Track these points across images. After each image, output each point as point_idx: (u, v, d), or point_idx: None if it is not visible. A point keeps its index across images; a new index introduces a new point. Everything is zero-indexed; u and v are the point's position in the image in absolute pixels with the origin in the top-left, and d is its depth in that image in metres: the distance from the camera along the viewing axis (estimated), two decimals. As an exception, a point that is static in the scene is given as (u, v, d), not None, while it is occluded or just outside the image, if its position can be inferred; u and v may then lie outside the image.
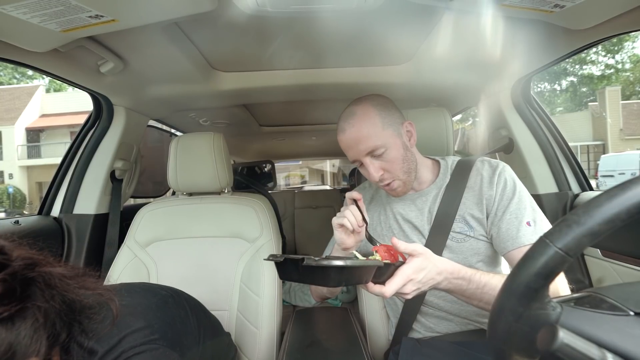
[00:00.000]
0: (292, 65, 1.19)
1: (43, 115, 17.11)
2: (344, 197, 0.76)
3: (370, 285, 0.57)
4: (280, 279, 1.01)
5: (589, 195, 1.23)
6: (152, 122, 1.64)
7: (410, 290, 0.59)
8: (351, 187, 2.75)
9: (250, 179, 2.29)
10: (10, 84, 20.41)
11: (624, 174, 10.12)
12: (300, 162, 11.19)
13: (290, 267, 0.54)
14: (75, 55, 0.89)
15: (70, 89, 14.99)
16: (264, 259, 0.60)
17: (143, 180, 1.63)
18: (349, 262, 0.49)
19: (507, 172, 0.80)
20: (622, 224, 0.29)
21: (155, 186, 1.89)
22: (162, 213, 1.15)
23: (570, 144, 1.29)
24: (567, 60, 1.06)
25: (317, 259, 0.49)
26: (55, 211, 1.27)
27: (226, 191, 1.20)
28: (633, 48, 19.36)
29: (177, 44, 0.94)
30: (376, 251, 0.62)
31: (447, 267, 0.62)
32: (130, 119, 1.31)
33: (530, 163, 1.28)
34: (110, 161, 1.29)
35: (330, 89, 1.33)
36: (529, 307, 0.32)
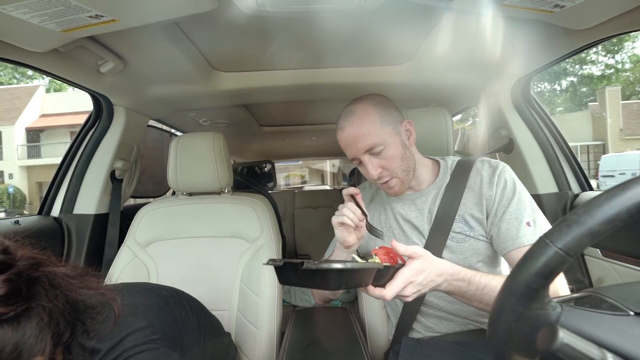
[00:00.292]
0: (292, 65, 1.19)
1: (43, 115, 17.11)
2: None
3: (371, 288, 0.57)
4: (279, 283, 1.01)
5: (589, 195, 1.23)
6: (152, 122, 1.64)
7: (411, 293, 0.58)
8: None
9: (250, 179, 2.29)
10: (10, 84, 20.41)
11: (624, 174, 10.09)
12: (300, 162, 11.19)
13: (290, 271, 0.53)
14: (75, 55, 0.89)
15: (70, 89, 15.00)
16: (264, 264, 0.60)
17: (143, 180, 1.63)
18: (348, 265, 0.49)
19: (507, 172, 0.80)
20: (622, 224, 0.29)
21: (155, 186, 1.89)
22: (162, 213, 1.15)
23: (570, 144, 1.29)
24: (567, 60, 1.06)
25: (316, 262, 0.49)
26: (56, 211, 1.27)
27: (226, 191, 1.20)
28: (633, 48, 19.38)
29: (177, 44, 0.94)
30: (375, 254, 0.62)
31: (447, 269, 0.62)
32: (130, 119, 1.31)
33: (530, 163, 1.28)
34: (110, 161, 1.29)
35: (330, 89, 1.33)
36: (529, 307, 0.32)
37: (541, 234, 0.33)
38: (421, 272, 0.59)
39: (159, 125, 1.88)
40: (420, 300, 0.84)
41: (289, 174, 16.72)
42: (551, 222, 0.75)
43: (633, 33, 0.97)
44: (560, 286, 0.66)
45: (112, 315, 0.52)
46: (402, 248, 0.60)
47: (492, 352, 0.36)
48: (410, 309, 0.86)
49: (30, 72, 18.56)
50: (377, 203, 0.94)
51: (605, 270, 1.07)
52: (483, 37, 0.91)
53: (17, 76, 21.89)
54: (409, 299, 0.59)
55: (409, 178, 0.82)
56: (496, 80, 1.25)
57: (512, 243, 0.72)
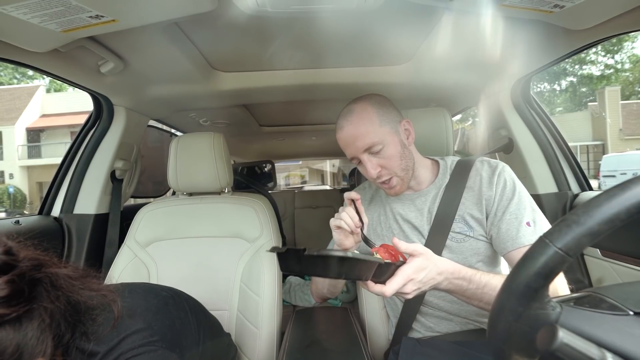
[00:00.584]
0: (292, 66, 1.19)
1: (43, 115, 17.11)
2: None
3: (371, 284, 0.57)
4: (281, 271, 1.01)
5: (588, 195, 1.23)
6: (152, 122, 1.64)
7: (411, 290, 0.59)
8: (351, 187, 2.75)
9: (250, 179, 2.30)
10: (10, 84, 20.41)
11: (625, 174, 10.05)
12: (300, 162, 11.19)
13: (292, 258, 0.54)
14: (75, 55, 0.89)
15: (70, 89, 14.99)
16: (267, 251, 0.61)
17: (143, 180, 1.63)
18: (349, 254, 0.50)
19: (507, 172, 0.80)
20: (622, 224, 0.29)
21: (155, 186, 1.89)
22: (162, 213, 1.15)
23: (569, 144, 1.29)
24: (566, 60, 1.06)
25: (318, 249, 0.51)
26: (56, 211, 1.27)
27: (226, 191, 1.20)
28: (633, 48, 19.38)
29: (177, 44, 0.94)
30: (376, 252, 0.62)
31: (448, 267, 0.62)
32: (130, 119, 1.31)
33: (530, 163, 1.28)
34: (110, 161, 1.29)
35: (330, 89, 1.33)
36: (529, 307, 0.32)
37: (541, 234, 0.33)
38: (422, 269, 0.59)
39: (159, 125, 1.88)
40: (420, 300, 0.84)
41: (289, 174, 16.72)
42: (551, 222, 0.76)
43: (633, 33, 0.97)
44: (560, 286, 0.66)
45: (111, 317, 0.52)
46: (403, 246, 0.60)
47: (491, 351, 0.36)
48: (410, 309, 0.86)
49: (30, 72, 18.57)
50: (376, 203, 0.94)
51: (605, 270, 1.07)
52: (483, 37, 0.91)
53: (18, 76, 21.89)
54: (409, 297, 0.60)
55: (408, 177, 0.82)
56: (496, 80, 1.25)
57: (512, 243, 0.72)
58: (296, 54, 1.09)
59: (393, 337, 0.91)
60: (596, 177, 11.33)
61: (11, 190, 15.30)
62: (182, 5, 0.72)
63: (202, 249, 1.09)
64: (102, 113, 1.26)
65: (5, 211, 14.25)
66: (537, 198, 1.25)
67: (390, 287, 0.57)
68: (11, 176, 16.34)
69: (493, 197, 0.77)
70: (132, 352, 0.51)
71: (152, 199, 1.58)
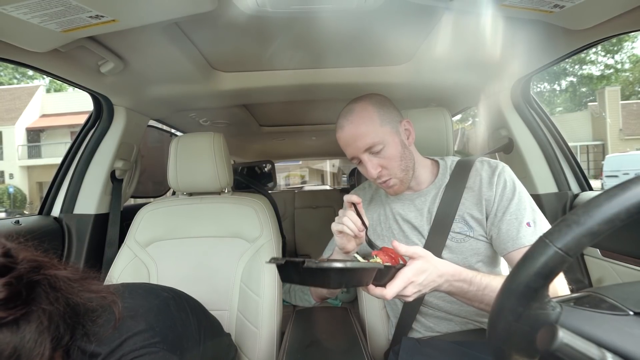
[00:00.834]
0: (292, 66, 1.19)
1: (43, 116, 17.11)
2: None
3: (371, 287, 0.57)
4: (281, 281, 1.01)
5: (588, 195, 1.23)
6: (152, 122, 1.64)
7: (411, 293, 0.58)
8: (351, 187, 2.75)
9: (250, 179, 2.29)
10: (10, 84, 20.41)
11: (628, 174, 10.02)
12: (300, 162, 11.18)
13: (291, 269, 0.54)
14: (75, 55, 0.89)
15: (70, 89, 14.98)
16: (266, 262, 0.60)
17: (143, 180, 1.63)
18: (349, 264, 0.49)
19: (507, 172, 0.80)
20: (622, 224, 0.29)
21: (155, 186, 1.89)
22: (162, 213, 1.15)
23: (569, 144, 1.29)
24: (566, 60, 1.06)
25: (317, 261, 0.50)
26: (56, 211, 1.27)
27: (226, 191, 1.20)
28: (633, 48, 19.37)
29: (177, 44, 0.94)
30: (376, 255, 0.62)
31: (448, 270, 0.62)
32: (130, 119, 1.31)
33: (530, 163, 1.28)
34: (110, 161, 1.29)
35: (330, 89, 1.33)
36: (529, 307, 0.32)
37: (541, 234, 0.33)
38: (422, 272, 0.59)
39: (159, 125, 1.88)
40: (420, 300, 0.84)
41: (289, 174, 16.72)
42: (551, 222, 0.76)
43: (633, 33, 0.97)
44: (560, 286, 0.66)
45: (112, 318, 0.52)
46: (403, 248, 0.60)
47: (491, 351, 0.36)
48: (410, 309, 0.86)
49: (30, 72, 18.56)
50: (376, 203, 0.94)
51: (605, 270, 1.07)
52: (483, 37, 0.91)
53: (18, 76, 21.89)
54: (410, 299, 0.59)
55: (408, 177, 0.82)
56: (496, 80, 1.25)
57: (513, 244, 0.72)
58: (296, 54, 1.09)
59: (393, 337, 0.91)
60: (596, 177, 11.31)
61: (11, 190, 15.30)
62: (182, 5, 0.72)
63: (202, 249, 1.09)
64: (102, 113, 1.26)
65: (5, 211, 14.24)
66: (537, 198, 1.25)
67: (390, 290, 0.56)
68: (11, 176, 16.34)
69: (493, 198, 0.77)
70: (134, 354, 0.51)
71: (152, 199, 1.58)
